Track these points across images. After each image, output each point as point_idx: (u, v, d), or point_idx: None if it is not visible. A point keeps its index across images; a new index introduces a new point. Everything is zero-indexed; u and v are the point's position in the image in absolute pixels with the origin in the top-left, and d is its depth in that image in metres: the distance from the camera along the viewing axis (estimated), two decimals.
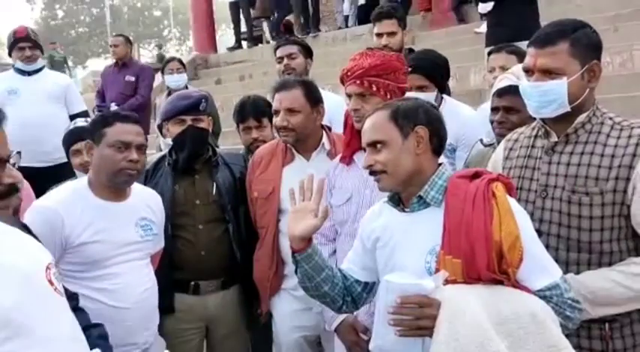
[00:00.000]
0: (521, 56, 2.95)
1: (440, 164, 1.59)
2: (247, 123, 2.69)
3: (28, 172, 2.46)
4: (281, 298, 2.34)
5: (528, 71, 1.64)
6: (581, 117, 1.62)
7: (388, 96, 1.93)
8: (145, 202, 2.11)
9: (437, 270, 1.43)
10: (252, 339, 2.62)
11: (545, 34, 1.60)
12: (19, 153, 1.37)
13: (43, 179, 2.23)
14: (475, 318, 1.32)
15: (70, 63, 16.31)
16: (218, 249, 2.33)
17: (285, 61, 3.19)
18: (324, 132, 2.35)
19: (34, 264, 1.34)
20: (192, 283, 2.32)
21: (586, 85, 1.59)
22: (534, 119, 2.00)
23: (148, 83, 5.42)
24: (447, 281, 1.40)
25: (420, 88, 2.51)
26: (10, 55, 4.15)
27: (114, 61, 5.51)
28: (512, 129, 1.94)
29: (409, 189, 1.54)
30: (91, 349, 1.40)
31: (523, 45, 3.93)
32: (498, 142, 2.16)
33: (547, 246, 1.58)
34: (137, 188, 2.14)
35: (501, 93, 2.04)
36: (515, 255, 1.39)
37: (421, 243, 1.49)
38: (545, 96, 1.59)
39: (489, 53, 3.14)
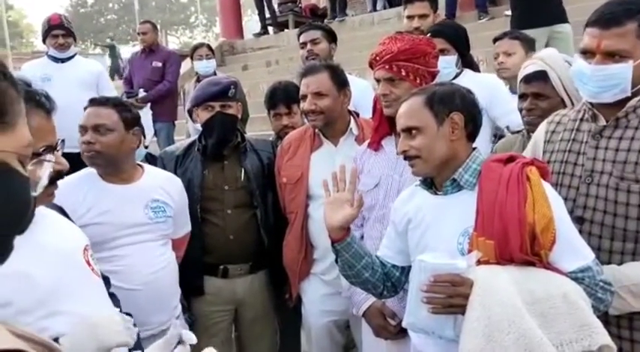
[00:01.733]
0: (525, 42, 2.93)
1: (474, 148, 1.58)
2: (278, 109, 2.70)
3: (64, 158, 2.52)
4: (310, 282, 2.36)
5: (587, 53, 1.54)
6: (634, 101, 1.53)
7: (418, 81, 1.90)
8: (159, 185, 2.11)
9: (469, 251, 1.44)
10: (280, 323, 2.66)
11: (609, 12, 1.49)
12: (63, 141, 1.39)
13: (76, 164, 2.28)
14: (507, 297, 1.33)
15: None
16: (246, 233, 2.36)
17: (309, 46, 3.17)
18: (351, 117, 2.34)
19: (73, 245, 1.41)
20: (222, 267, 2.36)
21: None
22: (564, 106, 1.94)
23: (175, 68, 5.45)
24: (479, 262, 1.41)
25: (441, 51, 2.49)
26: (44, 42, 4.21)
27: (141, 47, 5.56)
28: (542, 116, 1.89)
29: (443, 173, 1.55)
30: None
31: (548, 29, 3.90)
32: (527, 130, 2.12)
33: (590, 234, 1.55)
34: (153, 170, 2.17)
35: (529, 79, 1.99)
36: (548, 237, 1.39)
37: (454, 224, 1.50)
38: (608, 81, 1.50)
39: (494, 40, 3.11)
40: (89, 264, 1.42)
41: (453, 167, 1.54)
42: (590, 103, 1.61)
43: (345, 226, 1.62)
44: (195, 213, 2.31)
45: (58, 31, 4.08)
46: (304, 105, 2.25)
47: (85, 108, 2.05)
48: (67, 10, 31.63)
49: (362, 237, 2.04)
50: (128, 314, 1.52)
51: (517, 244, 1.38)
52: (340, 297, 2.24)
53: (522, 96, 2.02)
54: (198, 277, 2.35)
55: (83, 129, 1.99)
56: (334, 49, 3.30)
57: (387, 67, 1.91)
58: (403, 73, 1.90)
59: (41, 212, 1.38)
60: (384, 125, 1.99)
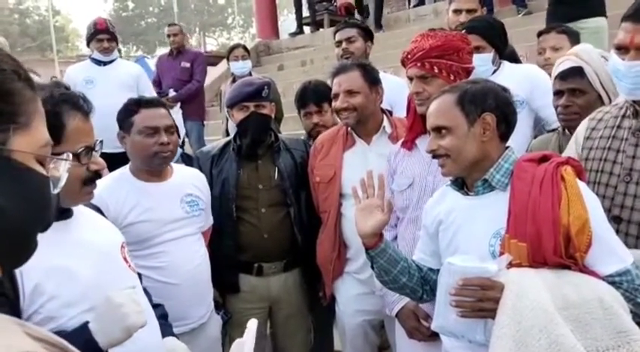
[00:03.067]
0: (572, 36, 2.81)
1: (507, 147, 1.54)
2: (308, 108, 2.72)
3: (105, 158, 2.61)
4: (344, 281, 2.36)
5: (621, 49, 1.51)
6: None
7: (452, 78, 1.87)
8: (190, 180, 2.19)
9: (501, 254, 1.40)
10: (314, 322, 2.67)
11: None
12: (101, 141, 1.47)
13: (117, 164, 2.36)
14: (539, 302, 1.29)
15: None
16: (280, 232, 2.38)
17: (344, 44, 3.17)
18: (384, 115, 2.33)
19: (111, 242, 1.48)
20: (256, 265, 2.39)
21: None
22: (601, 102, 1.88)
23: (202, 68, 5.58)
24: (510, 265, 1.37)
25: (477, 49, 2.42)
26: (88, 45, 4.34)
27: (169, 49, 5.69)
28: (578, 113, 1.84)
29: (473, 174, 1.52)
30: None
31: (584, 23, 3.76)
32: (563, 128, 2.06)
33: (627, 234, 1.51)
34: (180, 168, 2.22)
35: (564, 75, 1.94)
36: (584, 240, 1.35)
37: (485, 226, 1.47)
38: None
39: (539, 34, 2.99)
40: (126, 261, 1.49)
41: (484, 167, 1.50)
42: (634, 101, 1.56)
43: (377, 232, 1.59)
44: (231, 212, 2.35)
45: (104, 35, 4.20)
46: (336, 103, 2.25)
47: (132, 109, 2.06)
48: (109, 15, 32.58)
49: (395, 238, 2.03)
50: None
51: (550, 247, 1.34)
52: (375, 297, 2.23)
53: (558, 93, 1.97)
54: (234, 275, 2.39)
55: (154, 130, 2.01)
56: (370, 47, 3.28)
57: (419, 64, 1.89)
58: (436, 70, 1.87)
59: (80, 210, 1.47)
60: (418, 124, 1.97)
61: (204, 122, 5.76)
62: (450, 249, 1.55)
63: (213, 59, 9.09)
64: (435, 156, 1.55)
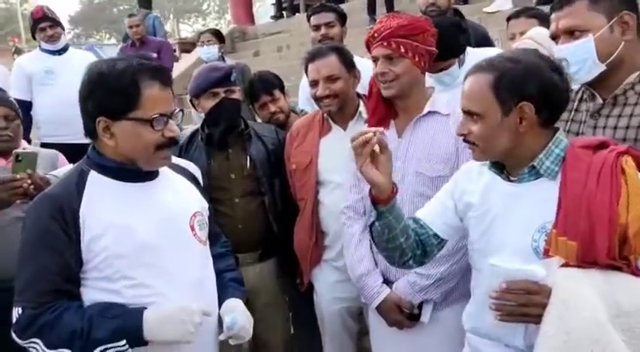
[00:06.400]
0: (543, 20, 2.75)
1: (556, 129, 1.39)
2: (261, 99, 2.68)
3: (71, 150, 2.52)
4: (322, 269, 2.33)
5: (555, 38, 1.55)
6: (631, 78, 1.50)
7: (417, 59, 1.84)
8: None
9: (546, 251, 1.29)
10: (295, 310, 2.63)
11: None
12: (182, 111, 1.57)
13: (82, 155, 2.30)
14: (591, 311, 1.18)
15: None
16: (255, 221, 2.33)
17: (323, 30, 3.10)
18: (360, 100, 2.28)
19: (183, 208, 1.57)
20: None
21: (618, 38, 1.48)
22: None
23: (170, 56, 5.52)
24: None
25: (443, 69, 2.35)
26: (34, 37, 4.19)
27: (130, 41, 5.56)
28: None
29: (512, 160, 1.39)
30: (223, 289, 1.64)
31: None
32: None
33: None
34: (175, 159, 2.16)
35: None
36: None
37: (529, 218, 1.34)
38: (574, 58, 1.49)
39: (508, 19, 2.91)
40: (193, 229, 1.55)
41: (524, 155, 1.36)
42: (588, 83, 1.56)
43: (391, 179, 1.43)
44: None
45: (45, 23, 4.04)
46: (317, 91, 2.18)
47: None
48: (80, 2, 31.78)
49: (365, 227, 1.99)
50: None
51: (604, 247, 1.22)
52: (353, 284, 2.19)
53: None
54: None
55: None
56: (345, 32, 3.23)
57: (385, 43, 1.84)
58: (402, 50, 1.83)
59: (167, 175, 1.59)
60: (381, 107, 1.93)
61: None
62: (483, 241, 1.43)
63: (189, 46, 8.92)
64: (464, 140, 1.42)
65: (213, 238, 1.72)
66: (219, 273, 1.66)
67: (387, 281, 1.94)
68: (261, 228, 2.34)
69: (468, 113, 1.39)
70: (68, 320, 1.36)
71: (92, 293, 1.42)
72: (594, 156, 1.30)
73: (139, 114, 1.42)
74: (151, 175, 1.54)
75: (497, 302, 1.27)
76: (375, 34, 1.87)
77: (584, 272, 1.23)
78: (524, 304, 1.25)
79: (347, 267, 2.05)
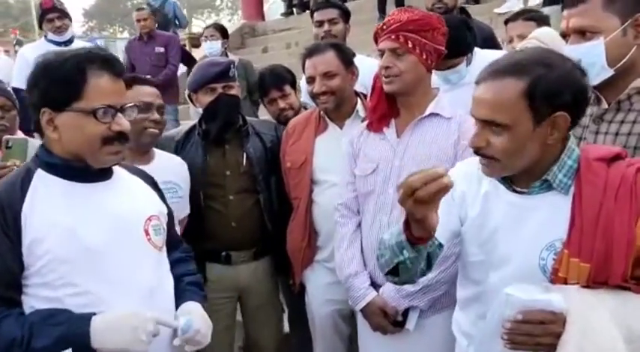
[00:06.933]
0: (540, 22, 2.71)
1: (567, 138, 1.26)
2: (271, 94, 2.64)
3: None
4: (314, 270, 2.29)
5: (565, 36, 1.49)
6: (637, 82, 1.44)
7: (424, 56, 1.79)
8: (170, 166, 2.13)
9: (555, 271, 1.20)
10: (291, 309, 2.61)
11: None
12: (137, 106, 1.49)
13: None
14: (610, 340, 1.12)
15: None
16: (249, 220, 2.30)
17: (326, 26, 3.06)
18: (358, 98, 2.24)
19: (136, 212, 1.47)
20: (224, 253, 2.31)
21: (631, 42, 1.41)
22: None
23: (177, 51, 5.46)
24: (565, 281, 1.20)
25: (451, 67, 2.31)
26: (40, 27, 4.23)
27: (138, 34, 5.53)
28: None
29: (524, 173, 1.27)
30: (180, 293, 1.54)
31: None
32: None
33: None
34: (161, 153, 2.16)
35: None
36: None
37: (537, 234, 1.24)
38: (583, 61, 1.37)
39: (506, 22, 2.88)
40: (147, 234, 1.46)
41: (539, 167, 1.25)
42: (595, 86, 1.50)
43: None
44: (198, 200, 2.26)
45: (52, 14, 4.05)
46: (313, 87, 2.15)
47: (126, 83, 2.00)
48: None
49: (359, 225, 1.95)
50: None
51: (621, 270, 1.15)
52: None
53: None
54: (200, 264, 2.30)
55: (147, 106, 1.99)
56: (349, 29, 3.19)
57: (392, 36, 1.79)
58: (410, 45, 1.78)
59: (121, 176, 1.50)
60: (383, 103, 1.88)
61: (181, 106, 5.64)
62: (484, 252, 1.33)
63: (198, 41, 8.91)
64: (477, 153, 1.27)
65: (173, 244, 1.63)
66: (177, 278, 1.57)
67: (375, 285, 1.90)
68: (256, 227, 2.31)
69: (488, 123, 1.22)
70: (7, 328, 1.27)
71: (32, 302, 1.33)
72: (610, 170, 1.21)
73: (81, 105, 1.33)
74: (103, 176, 1.45)
75: (510, 332, 1.17)
76: (384, 27, 1.82)
77: (596, 296, 1.16)
78: (539, 334, 1.16)
79: (336, 266, 2.02)
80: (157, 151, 2.14)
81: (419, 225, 1.15)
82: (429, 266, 1.40)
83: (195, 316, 1.48)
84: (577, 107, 1.21)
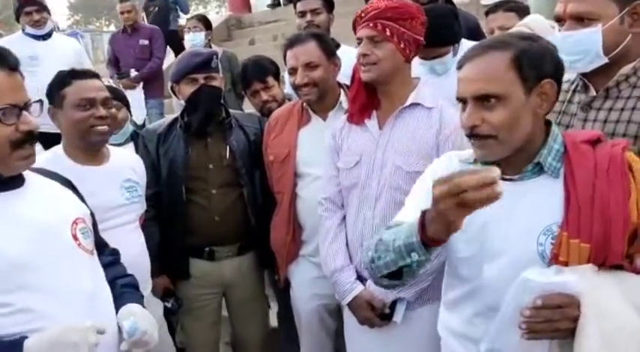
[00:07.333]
0: (521, 13, 2.68)
1: (549, 123, 1.27)
2: (253, 86, 2.60)
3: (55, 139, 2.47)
4: (299, 265, 2.25)
5: (560, 20, 1.45)
6: (626, 69, 1.43)
7: (402, 45, 1.76)
8: (128, 164, 2.06)
9: (555, 255, 1.18)
10: (279, 303, 2.58)
11: None
12: (40, 101, 1.36)
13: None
14: (625, 318, 1.11)
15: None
16: (233, 214, 2.25)
17: (309, 16, 3.02)
18: (341, 90, 2.20)
19: (59, 217, 1.35)
20: (207, 249, 2.27)
21: (627, 30, 1.39)
22: None
23: (161, 43, 5.39)
24: (566, 265, 1.18)
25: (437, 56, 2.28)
26: (17, 20, 4.11)
27: (122, 27, 5.45)
28: None
29: (518, 154, 1.24)
30: (117, 297, 1.44)
31: None
32: None
33: None
34: (117, 150, 2.10)
35: None
36: None
37: (531, 220, 1.21)
38: (577, 47, 1.40)
39: (487, 13, 2.83)
40: (75, 239, 1.35)
41: (530, 149, 1.24)
42: (582, 73, 1.48)
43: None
44: (180, 194, 2.22)
45: (30, 7, 3.94)
46: (295, 79, 2.10)
47: (64, 81, 1.91)
48: None
49: (344, 218, 1.92)
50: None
51: (620, 250, 1.14)
52: None
53: None
54: (184, 259, 2.27)
55: (90, 102, 1.88)
56: (332, 19, 3.15)
57: (371, 24, 1.76)
58: (387, 33, 1.75)
59: (34, 181, 1.36)
60: (362, 94, 1.85)
61: (167, 100, 5.57)
62: (473, 247, 1.29)
63: (182, 33, 8.81)
64: (474, 135, 1.22)
65: (99, 248, 1.52)
66: (110, 282, 1.47)
67: (361, 278, 1.87)
68: (240, 221, 2.27)
69: (480, 99, 1.19)
70: None
71: None
72: (597, 153, 1.21)
73: None
74: (14, 183, 1.31)
75: (529, 320, 1.13)
76: (362, 14, 1.79)
77: (600, 276, 1.14)
78: (558, 319, 1.13)
79: (321, 261, 1.99)
80: (111, 149, 2.06)
81: (444, 228, 1.06)
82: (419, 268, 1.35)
83: (139, 317, 1.40)
84: (558, 78, 1.22)
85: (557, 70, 1.22)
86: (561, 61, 1.24)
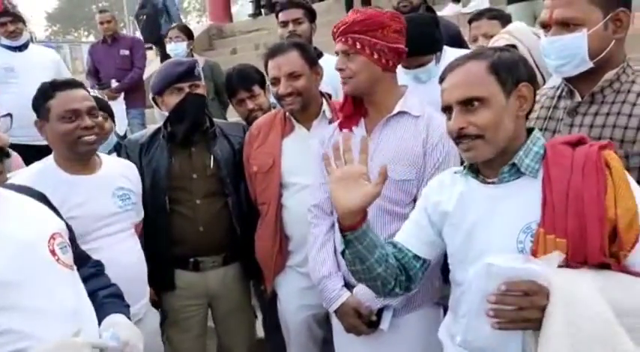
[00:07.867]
0: (505, 21, 2.74)
1: (532, 129, 1.36)
2: (239, 95, 2.58)
3: (34, 152, 2.43)
4: (286, 276, 2.23)
5: (546, 26, 1.49)
6: (609, 75, 1.46)
7: (375, 56, 1.77)
8: (120, 172, 2.05)
9: (534, 252, 1.21)
10: (265, 313, 2.56)
11: None
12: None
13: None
14: (596, 310, 1.11)
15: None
16: (217, 224, 2.24)
17: (291, 26, 3.03)
18: (323, 99, 2.20)
19: (36, 233, 1.31)
20: (192, 259, 2.25)
21: (610, 36, 1.43)
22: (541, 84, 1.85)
23: (142, 54, 5.37)
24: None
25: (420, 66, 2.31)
26: None
27: (102, 37, 5.43)
28: None
29: (502, 156, 1.31)
30: (99, 309, 1.40)
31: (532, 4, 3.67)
32: None
33: None
34: (110, 159, 2.09)
35: None
36: (631, 236, 1.18)
37: (512, 219, 1.26)
38: (563, 52, 1.44)
39: (470, 21, 2.88)
40: (54, 254, 1.32)
41: (511, 150, 1.30)
42: (567, 79, 1.52)
43: (363, 208, 1.32)
44: (163, 204, 2.20)
45: (4, 18, 3.91)
46: (279, 89, 2.10)
47: (48, 93, 1.88)
48: None
49: (332, 225, 1.93)
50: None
51: (597, 244, 1.17)
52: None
53: None
54: (169, 270, 2.25)
55: (75, 113, 1.86)
56: (314, 29, 3.17)
57: (342, 39, 1.79)
58: (358, 46, 1.76)
59: (5, 197, 1.32)
60: (349, 105, 1.87)
61: (148, 109, 5.54)
62: (463, 250, 1.35)
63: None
64: (460, 138, 1.29)
65: (80, 261, 1.49)
66: (91, 294, 1.44)
67: (349, 286, 1.87)
68: (225, 231, 2.25)
69: (464, 103, 1.28)
70: None
71: None
72: (576, 152, 1.26)
73: None
74: None
75: (496, 307, 1.14)
76: (335, 30, 1.82)
77: (578, 273, 1.17)
78: (526, 307, 1.14)
79: (309, 268, 1.99)
80: (103, 157, 2.05)
81: (339, 211, 1.35)
82: (410, 278, 1.44)
83: (121, 328, 1.37)
84: (532, 82, 1.32)
85: (530, 75, 1.33)
86: (532, 67, 1.36)
